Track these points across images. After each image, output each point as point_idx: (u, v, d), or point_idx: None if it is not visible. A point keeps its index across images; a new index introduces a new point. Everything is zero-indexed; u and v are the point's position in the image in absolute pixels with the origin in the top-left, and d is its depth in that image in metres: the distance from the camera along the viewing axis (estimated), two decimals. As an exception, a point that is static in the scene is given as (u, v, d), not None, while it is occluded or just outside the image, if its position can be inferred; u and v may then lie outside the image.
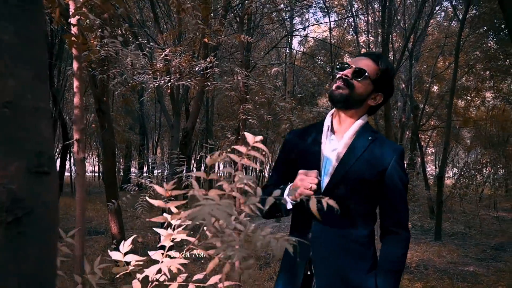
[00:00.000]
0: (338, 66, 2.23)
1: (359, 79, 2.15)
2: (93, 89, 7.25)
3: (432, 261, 9.27)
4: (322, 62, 24.39)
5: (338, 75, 2.19)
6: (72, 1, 2.19)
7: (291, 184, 2.06)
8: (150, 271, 1.63)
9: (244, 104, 4.12)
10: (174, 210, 1.60)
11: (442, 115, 26.54)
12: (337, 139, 2.22)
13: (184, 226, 1.64)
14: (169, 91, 4.67)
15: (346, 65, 2.20)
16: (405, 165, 2.30)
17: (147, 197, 1.73)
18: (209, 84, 4.21)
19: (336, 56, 21.21)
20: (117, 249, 1.68)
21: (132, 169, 31.85)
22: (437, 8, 21.19)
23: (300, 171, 1.99)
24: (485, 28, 18.71)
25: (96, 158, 37.71)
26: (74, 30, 2.21)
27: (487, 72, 22.64)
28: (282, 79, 21.21)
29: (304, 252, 2.15)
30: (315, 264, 2.13)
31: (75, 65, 2.32)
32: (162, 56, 3.88)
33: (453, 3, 16.35)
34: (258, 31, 15.87)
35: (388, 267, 2.13)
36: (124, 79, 3.94)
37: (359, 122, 2.21)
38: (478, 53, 21.36)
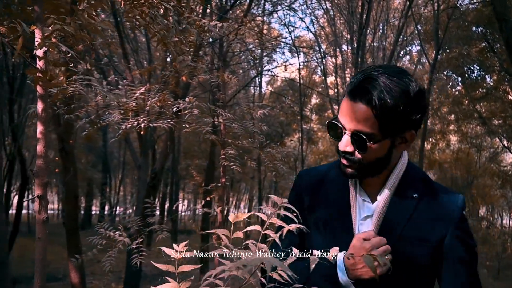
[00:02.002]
0: (329, 131, 1.59)
1: (364, 152, 1.49)
2: (56, 127, 6.79)
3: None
4: (290, 103, 24.39)
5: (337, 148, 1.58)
6: (38, 29, 1.81)
7: (343, 254, 1.52)
8: None
9: (225, 149, 3.77)
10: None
11: (409, 158, 26.74)
12: (370, 199, 1.60)
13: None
14: (143, 132, 4.29)
15: (338, 130, 1.53)
16: (468, 223, 1.62)
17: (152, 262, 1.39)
18: (188, 126, 3.84)
19: (305, 96, 21.24)
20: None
21: (94, 207, 30.88)
22: (402, 52, 21.58)
23: (368, 244, 1.46)
24: (451, 72, 19.07)
25: (56, 195, 36.51)
26: (39, 64, 1.83)
27: (452, 116, 22.99)
28: (249, 117, 21.02)
29: None
30: None
31: (39, 105, 1.93)
32: (137, 94, 3.49)
33: (422, 46, 16.57)
34: (228, 70, 15.73)
35: None
36: (93, 118, 3.57)
37: (397, 172, 1.58)
38: (442, 97, 21.72)
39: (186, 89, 8.35)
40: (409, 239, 1.51)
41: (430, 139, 26.15)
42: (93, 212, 29.25)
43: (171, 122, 3.74)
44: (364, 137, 1.44)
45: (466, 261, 1.54)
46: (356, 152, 1.49)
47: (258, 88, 22.64)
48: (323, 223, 1.64)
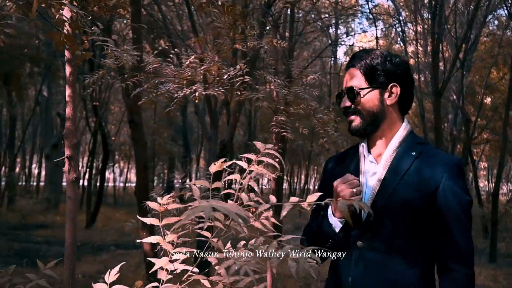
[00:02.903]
0: (337, 102, 2.02)
1: (356, 100, 1.90)
2: (125, 100, 6.99)
3: (487, 287, 8.55)
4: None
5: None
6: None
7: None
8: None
9: (277, 116, 3.70)
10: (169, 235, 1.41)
11: (496, 128, 25.30)
12: (376, 160, 1.93)
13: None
14: (197, 101, 4.29)
15: (340, 94, 2.01)
16: (465, 180, 1.89)
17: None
18: (239, 93, 3.79)
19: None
20: (149, 268, 1.41)
21: (175, 181, 31.90)
22: (490, 16, 20.23)
23: (335, 182, 1.83)
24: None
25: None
26: (67, 26, 1.84)
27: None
28: (327, 90, 20.72)
29: None
30: None
31: (67, 69, 1.97)
32: (186, 62, 3.49)
33: (510, 10, 15.41)
34: (300, 40, 15.44)
35: None
36: (147, 87, 3.61)
37: (398, 136, 1.91)
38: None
39: (254, 59, 8.22)
40: (405, 186, 1.78)
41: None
42: (176, 185, 30.20)
43: (222, 90, 3.72)
44: (351, 86, 1.90)
45: (455, 211, 1.77)
46: (354, 105, 1.91)
47: (333, 59, 22.14)
48: None
